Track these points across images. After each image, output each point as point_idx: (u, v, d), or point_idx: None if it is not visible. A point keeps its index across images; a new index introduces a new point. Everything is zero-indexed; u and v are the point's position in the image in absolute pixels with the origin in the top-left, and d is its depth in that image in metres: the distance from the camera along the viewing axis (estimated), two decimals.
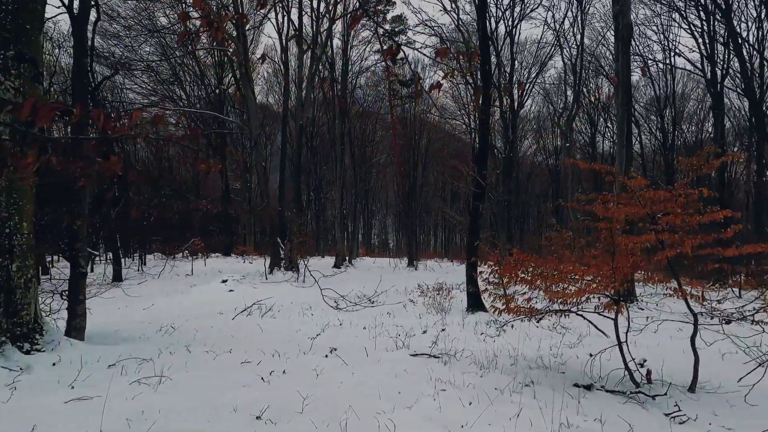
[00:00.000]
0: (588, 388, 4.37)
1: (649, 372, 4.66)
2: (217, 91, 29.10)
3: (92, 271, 18.13)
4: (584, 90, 26.51)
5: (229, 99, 30.59)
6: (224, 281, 13.78)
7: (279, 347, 5.69)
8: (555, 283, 4.31)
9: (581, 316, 4.93)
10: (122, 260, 17.56)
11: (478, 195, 10.09)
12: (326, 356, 5.31)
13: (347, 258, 27.25)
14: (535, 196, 46.67)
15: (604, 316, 4.63)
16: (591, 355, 5.18)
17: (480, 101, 10.07)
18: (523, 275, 4.56)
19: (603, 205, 4.70)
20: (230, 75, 27.11)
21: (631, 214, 4.69)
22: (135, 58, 24.07)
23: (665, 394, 4.15)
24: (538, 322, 4.99)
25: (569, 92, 26.32)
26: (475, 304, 10.02)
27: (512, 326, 7.11)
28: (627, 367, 4.48)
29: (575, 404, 3.84)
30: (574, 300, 4.60)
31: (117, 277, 16.22)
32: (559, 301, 4.81)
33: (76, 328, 5.43)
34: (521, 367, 5.09)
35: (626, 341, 4.61)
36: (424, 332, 7.32)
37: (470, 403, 3.74)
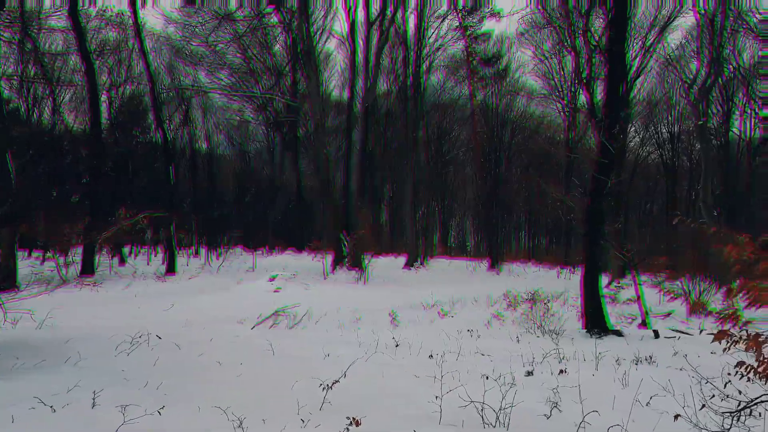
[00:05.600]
0: None
1: None
2: (288, 76, 28.17)
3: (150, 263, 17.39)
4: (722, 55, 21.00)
5: (302, 89, 29.60)
6: (272, 279, 11.79)
7: (266, 400, 3.19)
8: None
9: None
10: (177, 252, 16.45)
11: (605, 167, 6.84)
12: None
13: (420, 258, 24.53)
14: (638, 194, 40.28)
15: None
16: None
17: (610, 25, 6.89)
18: None
19: None
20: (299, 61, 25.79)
21: None
22: (209, 47, 23.47)
23: None
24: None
25: (696, 63, 21.14)
26: (596, 323, 6.94)
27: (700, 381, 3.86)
28: None
29: None
30: None
31: (170, 269, 15.10)
32: None
33: None
34: None
35: None
36: (529, 374, 4.41)
37: None
